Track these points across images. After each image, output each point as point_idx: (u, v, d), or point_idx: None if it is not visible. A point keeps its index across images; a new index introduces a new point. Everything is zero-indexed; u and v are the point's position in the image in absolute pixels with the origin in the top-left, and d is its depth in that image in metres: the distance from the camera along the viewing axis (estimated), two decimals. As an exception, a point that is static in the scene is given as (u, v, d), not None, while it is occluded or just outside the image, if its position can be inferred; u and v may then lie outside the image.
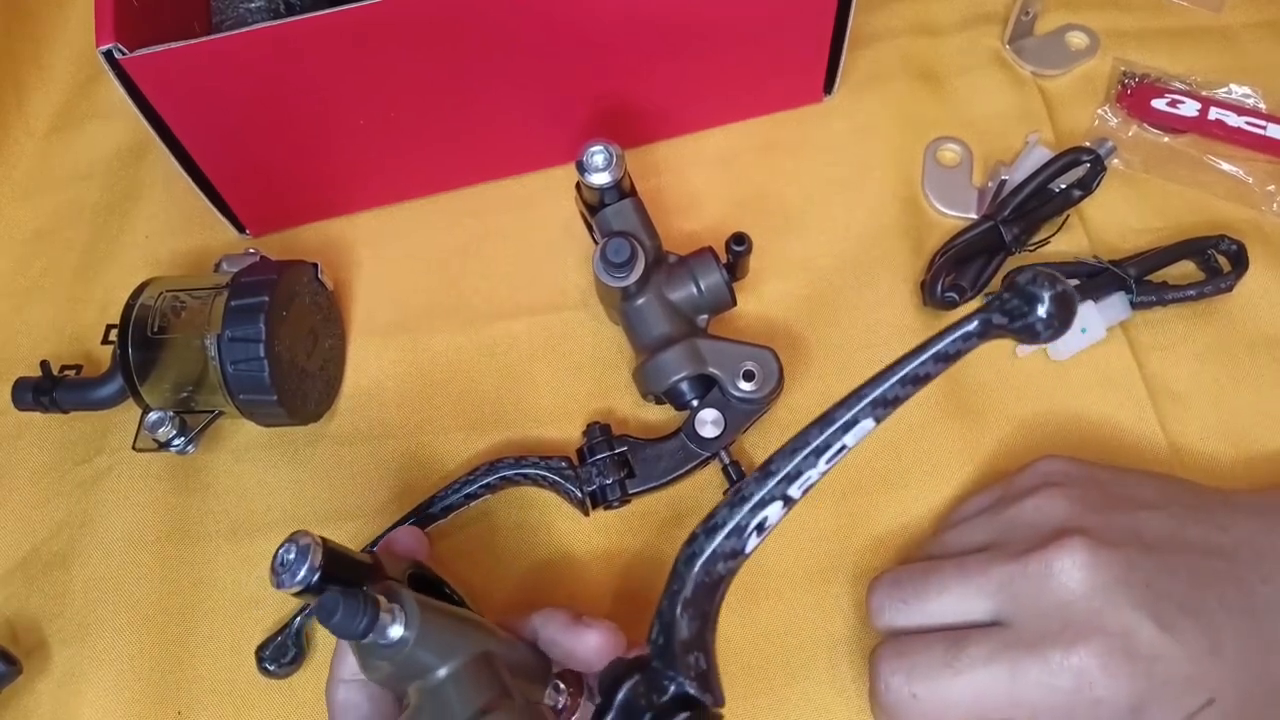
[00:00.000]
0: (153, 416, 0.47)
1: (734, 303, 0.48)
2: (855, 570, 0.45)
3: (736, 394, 0.45)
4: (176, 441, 0.47)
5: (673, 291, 0.47)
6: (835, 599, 0.45)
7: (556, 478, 0.45)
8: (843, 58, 0.55)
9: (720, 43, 0.52)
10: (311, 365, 0.48)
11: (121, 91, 0.44)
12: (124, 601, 0.47)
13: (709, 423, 0.45)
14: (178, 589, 0.47)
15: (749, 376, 0.45)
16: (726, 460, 0.45)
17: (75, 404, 0.49)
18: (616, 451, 0.45)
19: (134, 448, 0.48)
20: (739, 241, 0.47)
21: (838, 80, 0.57)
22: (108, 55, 0.42)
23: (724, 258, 0.47)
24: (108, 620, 0.47)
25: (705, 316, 0.48)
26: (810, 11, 0.52)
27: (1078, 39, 0.59)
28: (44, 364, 0.49)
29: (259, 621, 0.46)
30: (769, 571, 0.45)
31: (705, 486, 0.48)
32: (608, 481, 0.45)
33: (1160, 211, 0.53)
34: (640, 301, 0.47)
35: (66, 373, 0.50)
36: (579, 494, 0.45)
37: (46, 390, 0.49)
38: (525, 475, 0.46)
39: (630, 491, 0.45)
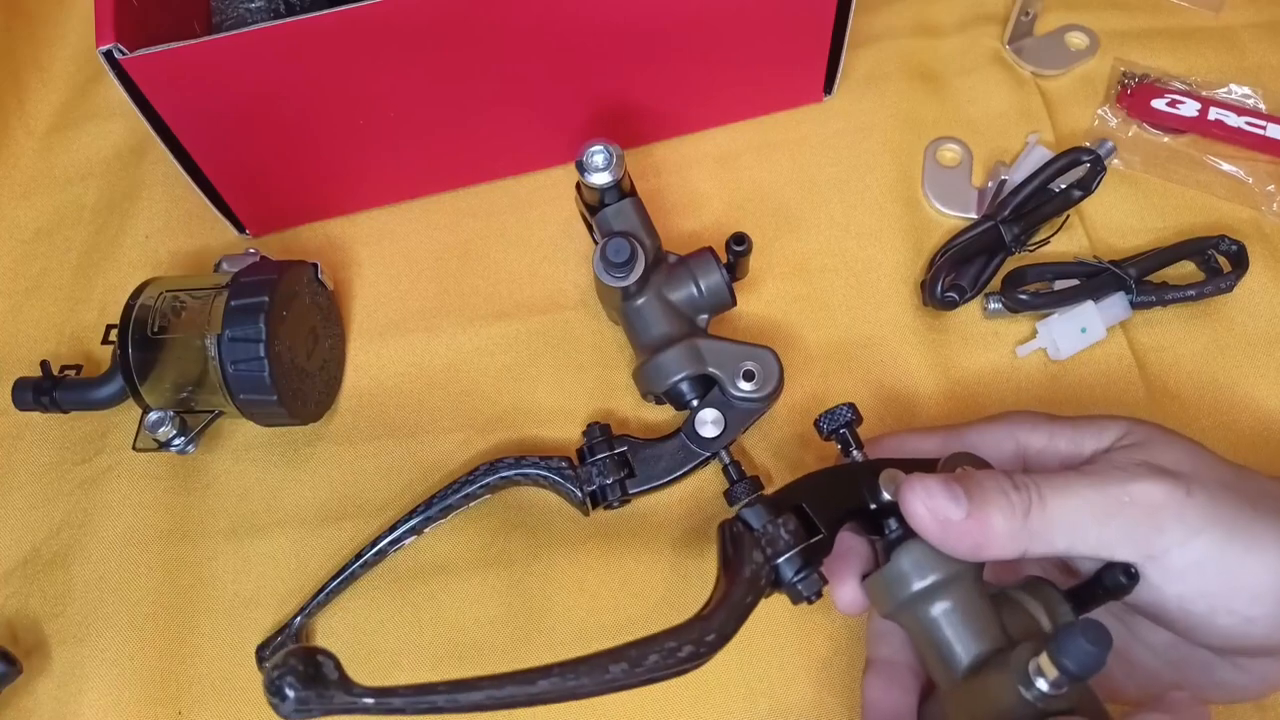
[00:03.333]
0: (153, 416, 0.47)
1: (734, 303, 0.48)
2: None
3: (736, 394, 0.45)
4: (176, 441, 0.47)
5: (673, 291, 0.47)
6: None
7: (556, 478, 0.45)
8: (843, 58, 0.55)
9: (720, 43, 0.52)
10: (311, 365, 0.48)
11: (121, 91, 0.44)
12: (124, 601, 0.47)
13: (709, 423, 0.45)
14: (178, 589, 0.47)
15: (749, 376, 0.45)
16: (726, 460, 0.45)
17: (75, 404, 0.49)
18: (616, 451, 0.45)
19: (134, 448, 0.48)
20: (739, 241, 0.47)
21: (838, 80, 0.57)
22: (108, 55, 0.42)
23: (724, 258, 0.47)
24: (108, 620, 0.47)
25: (705, 316, 0.48)
26: (810, 12, 0.52)
27: (1078, 39, 0.59)
28: (44, 364, 0.49)
29: (259, 621, 0.46)
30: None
31: (705, 486, 0.48)
32: (608, 481, 0.45)
33: (1160, 212, 0.53)
34: (640, 301, 0.47)
35: (66, 373, 0.50)
36: (579, 494, 0.45)
37: (46, 390, 0.49)
38: (525, 475, 0.46)
39: (630, 491, 0.45)
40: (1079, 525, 0.34)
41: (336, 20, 0.44)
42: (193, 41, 0.43)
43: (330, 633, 0.46)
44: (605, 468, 0.45)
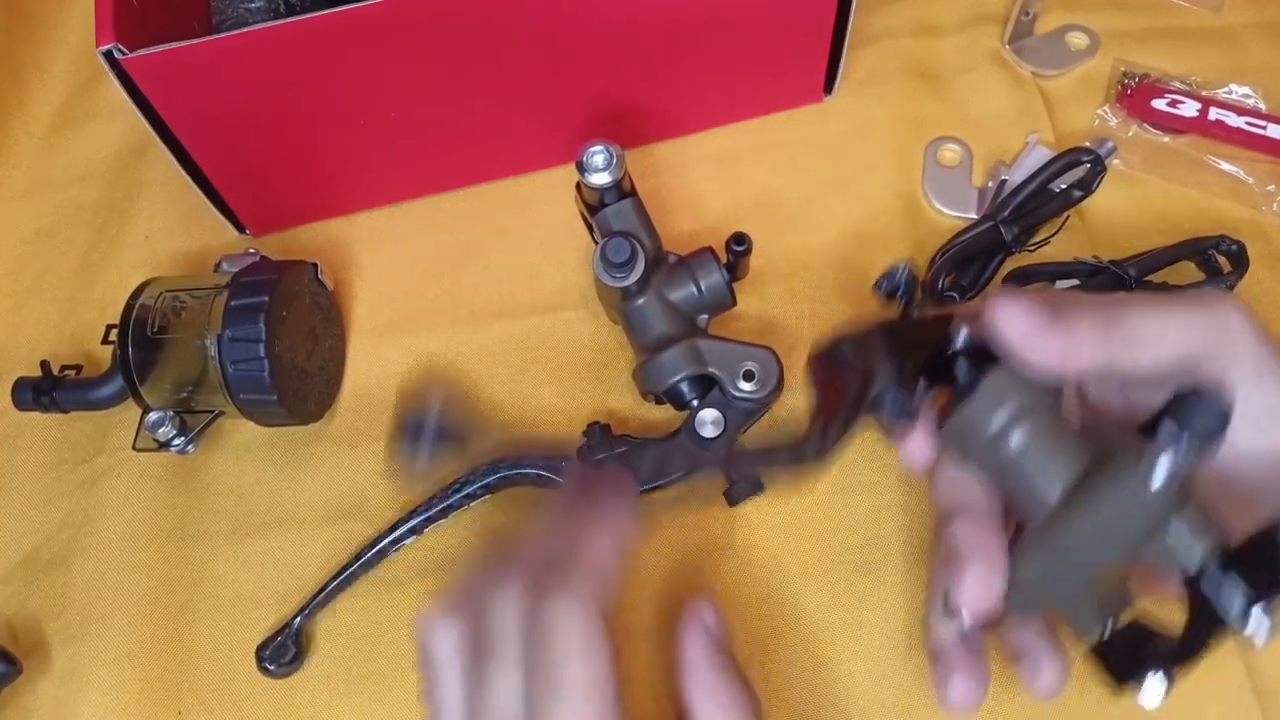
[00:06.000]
0: (153, 416, 0.47)
1: (734, 303, 0.48)
2: (858, 563, 0.45)
3: (737, 394, 0.45)
4: (176, 441, 0.47)
5: (673, 291, 0.47)
6: (846, 590, 0.45)
7: (556, 478, 0.45)
8: (843, 58, 0.55)
9: (720, 43, 0.52)
10: (311, 365, 0.48)
11: (121, 91, 0.44)
12: (124, 601, 0.47)
13: (709, 423, 0.45)
14: (178, 589, 0.47)
15: (749, 376, 0.45)
16: (727, 460, 0.45)
17: (75, 404, 0.49)
18: (616, 451, 0.45)
19: (134, 448, 0.48)
20: (739, 242, 0.47)
21: (838, 80, 0.57)
22: (108, 55, 0.42)
23: (724, 258, 0.47)
24: (108, 620, 0.47)
25: (705, 316, 0.48)
26: (810, 11, 0.52)
27: (1078, 39, 0.59)
28: (44, 364, 0.49)
29: (259, 621, 0.46)
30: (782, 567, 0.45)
31: (705, 487, 0.48)
32: (608, 481, 0.45)
33: (1160, 212, 0.53)
34: (640, 301, 0.47)
35: (66, 373, 0.50)
36: (579, 494, 0.45)
37: (46, 390, 0.49)
38: (525, 475, 0.46)
39: (630, 491, 0.45)
40: (1163, 339, 0.33)
41: (337, 20, 0.44)
42: (193, 41, 0.43)
43: (330, 633, 0.46)
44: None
